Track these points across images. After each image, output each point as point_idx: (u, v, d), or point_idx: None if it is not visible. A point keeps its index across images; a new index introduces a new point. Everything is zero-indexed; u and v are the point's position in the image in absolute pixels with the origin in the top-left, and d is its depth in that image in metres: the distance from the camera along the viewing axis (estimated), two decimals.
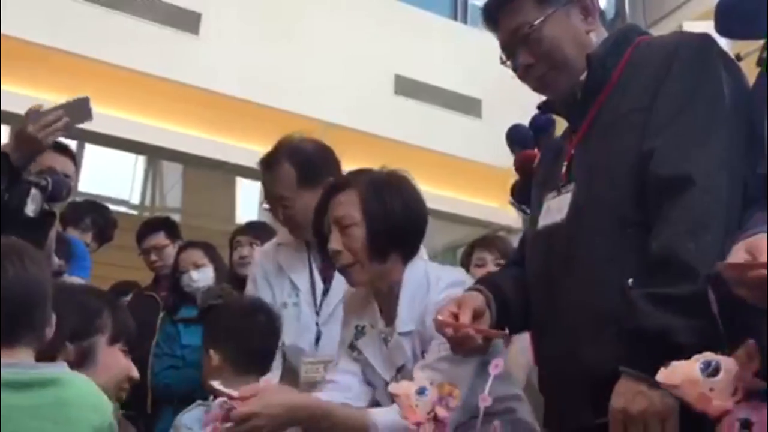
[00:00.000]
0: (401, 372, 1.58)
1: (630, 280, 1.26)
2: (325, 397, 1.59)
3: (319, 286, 2.11)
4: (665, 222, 1.22)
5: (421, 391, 1.23)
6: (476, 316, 1.41)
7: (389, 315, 1.66)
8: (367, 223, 1.60)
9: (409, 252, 1.67)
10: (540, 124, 2.53)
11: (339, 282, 1.98)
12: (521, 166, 2.51)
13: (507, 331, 1.46)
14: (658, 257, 1.20)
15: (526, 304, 1.52)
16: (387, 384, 1.49)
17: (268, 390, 1.49)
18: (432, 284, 1.61)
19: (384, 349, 1.64)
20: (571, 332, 1.35)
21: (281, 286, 2.12)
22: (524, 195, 2.14)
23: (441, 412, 1.22)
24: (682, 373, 0.98)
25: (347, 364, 1.71)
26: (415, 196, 1.69)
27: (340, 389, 1.65)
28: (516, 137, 2.70)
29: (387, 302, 1.67)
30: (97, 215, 3.21)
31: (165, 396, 3.03)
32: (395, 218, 1.62)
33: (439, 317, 1.39)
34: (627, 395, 1.16)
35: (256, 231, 3.11)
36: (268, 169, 2.08)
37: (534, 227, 1.53)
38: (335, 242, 1.61)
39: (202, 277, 3.11)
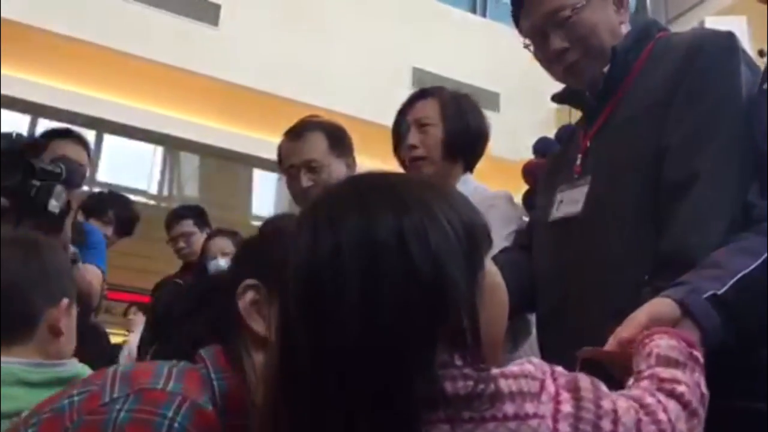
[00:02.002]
0: None
1: (645, 277, 1.25)
2: None
3: None
4: (673, 219, 1.22)
5: None
6: None
7: None
8: (445, 125, 1.81)
9: (471, 162, 1.88)
10: (566, 135, 2.52)
11: None
12: (529, 174, 2.49)
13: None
14: (665, 254, 1.20)
15: (522, 288, 1.51)
16: None
17: None
18: (480, 191, 1.83)
19: None
20: (583, 325, 1.34)
21: None
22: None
23: None
24: None
25: None
26: (483, 116, 1.91)
27: None
28: (542, 149, 2.68)
29: None
30: (120, 208, 3.23)
31: None
32: (469, 126, 1.84)
33: None
34: None
35: None
36: (298, 135, 2.11)
37: (543, 219, 1.52)
38: (413, 138, 1.82)
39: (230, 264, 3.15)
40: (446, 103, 1.86)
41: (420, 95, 1.92)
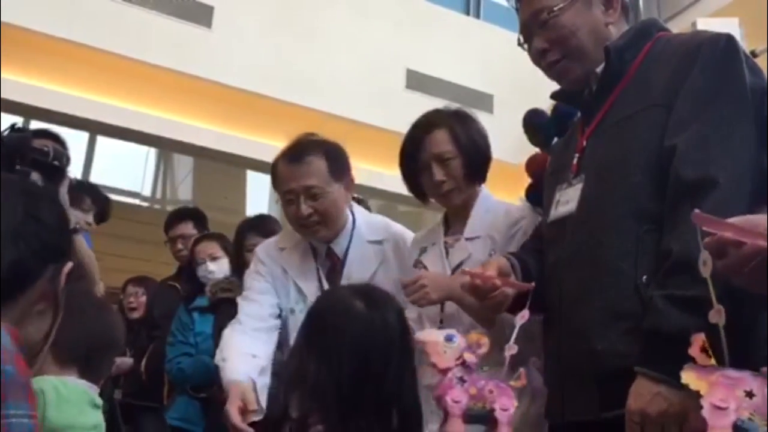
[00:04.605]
0: (458, 269, 1.82)
1: (644, 278, 1.25)
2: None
3: None
4: (686, 224, 1.20)
5: (449, 338, 1.30)
6: (500, 271, 1.44)
7: (458, 229, 1.93)
8: (462, 155, 1.87)
9: (485, 175, 1.99)
10: (563, 113, 2.49)
11: None
12: (532, 167, 2.48)
13: (533, 284, 1.44)
14: (679, 259, 1.19)
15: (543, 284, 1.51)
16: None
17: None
18: (503, 205, 1.98)
19: (444, 257, 1.91)
20: (580, 325, 1.34)
21: (286, 291, 2.09)
22: (538, 197, 2.14)
23: (469, 357, 1.29)
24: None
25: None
26: (481, 125, 2.00)
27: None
28: (531, 120, 2.64)
29: (460, 219, 1.94)
30: (94, 196, 3.24)
31: (180, 381, 3.07)
32: (479, 147, 1.92)
33: (467, 270, 1.45)
34: (645, 396, 1.15)
35: (266, 231, 3.08)
36: (297, 161, 2.03)
37: (545, 218, 1.53)
38: (438, 174, 1.88)
39: (217, 268, 3.15)
40: (457, 132, 1.89)
41: (428, 128, 1.91)
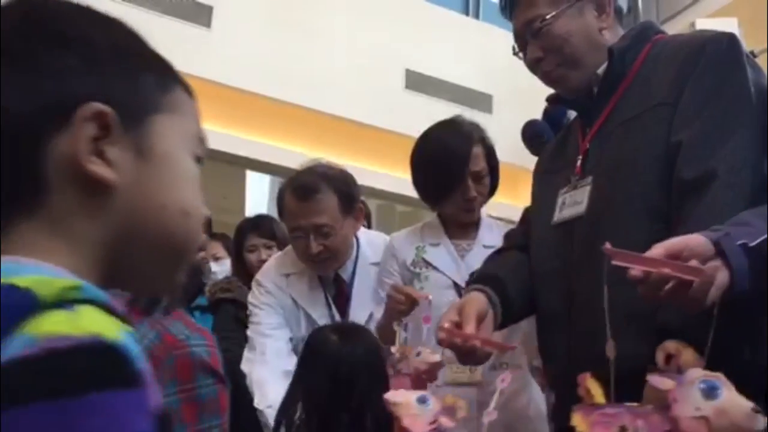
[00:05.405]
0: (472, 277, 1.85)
1: None
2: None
3: (337, 319, 2.11)
4: (688, 219, 1.21)
5: (422, 400, 1.20)
6: (479, 319, 1.38)
7: (464, 236, 1.97)
8: (490, 173, 1.94)
9: None
10: (554, 116, 2.52)
11: (354, 312, 2.02)
12: None
13: (516, 346, 1.44)
14: None
15: (527, 293, 1.51)
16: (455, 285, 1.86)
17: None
18: (487, 216, 2.05)
19: (458, 260, 1.92)
20: (591, 327, 1.34)
21: (297, 320, 2.06)
22: None
23: (446, 422, 1.19)
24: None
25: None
26: None
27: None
28: (530, 133, 2.67)
29: (460, 226, 1.98)
30: None
31: None
32: (498, 163, 1.97)
33: (445, 325, 1.34)
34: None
35: (267, 232, 3.07)
36: (307, 198, 1.96)
37: (544, 220, 1.53)
38: (473, 191, 1.91)
39: (220, 269, 3.16)
40: (488, 150, 1.93)
41: (471, 143, 1.94)
